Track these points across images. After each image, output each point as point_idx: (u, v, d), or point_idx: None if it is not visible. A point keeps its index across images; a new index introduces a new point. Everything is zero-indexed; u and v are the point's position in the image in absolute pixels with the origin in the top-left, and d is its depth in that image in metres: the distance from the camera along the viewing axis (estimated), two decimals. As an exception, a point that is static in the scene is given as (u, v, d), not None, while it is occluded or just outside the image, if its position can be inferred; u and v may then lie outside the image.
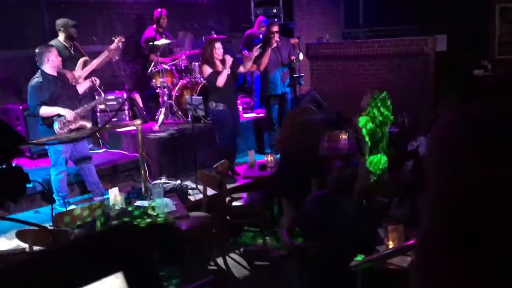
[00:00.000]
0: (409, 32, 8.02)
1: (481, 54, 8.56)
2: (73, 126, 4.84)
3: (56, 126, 4.78)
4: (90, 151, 6.46)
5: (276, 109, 7.00)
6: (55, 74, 4.90)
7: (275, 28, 6.72)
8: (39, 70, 4.84)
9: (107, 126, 6.51)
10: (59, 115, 4.80)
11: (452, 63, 7.67)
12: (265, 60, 6.63)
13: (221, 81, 5.75)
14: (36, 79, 4.80)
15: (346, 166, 3.12)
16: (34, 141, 5.11)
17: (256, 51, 6.28)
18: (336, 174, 3.02)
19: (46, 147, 5.13)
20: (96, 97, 5.86)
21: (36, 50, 4.87)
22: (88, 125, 4.86)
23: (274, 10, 8.89)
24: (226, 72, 5.77)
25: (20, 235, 3.52)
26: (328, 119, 8.13)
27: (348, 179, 2.98)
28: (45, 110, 4.73)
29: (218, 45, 5.82)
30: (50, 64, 4.83)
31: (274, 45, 6.59)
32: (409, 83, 7.23)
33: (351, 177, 2.99)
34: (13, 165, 1.14)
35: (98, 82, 5.22)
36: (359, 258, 2.90)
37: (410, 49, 7.40)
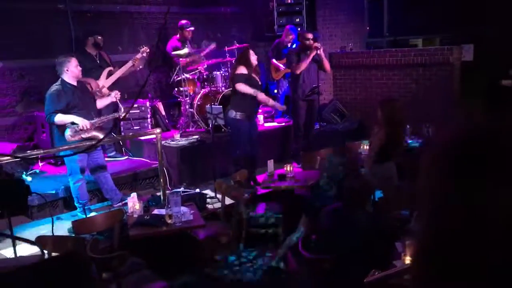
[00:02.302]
0: (434, 42, 7.91)
1: (509, 64, 8.35)
2: (85, 135, 4.85)
3: (68, 132, 4.81)
4: (113, 159, 6.58)
5: (304, 115, 6.94)
6: (74, 83, 4.97)
7: (310, 35, 6.79)
8: (60, 79, 4.94)
9: (130, 134, 6.62)
10: (72, 123, 4.85)
11: (478, 73, 7.51)
12: (303, 66, 6.65)
13: (243, 88, 5.77)
14: (55, 87, 4.89)
15: (358, 178, 3.07)
16: (44, 151, 5.19)
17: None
18: (348, 187, 2.97)
19: (62, 155, 5.21)
20: (117, 112, 5.88)
21: (57, 60, 4.97)
22: (101, 136, 4.87)
23: (297, 20, 8.88)
24: (251, 91, 5.79)
25: (40, 241, 3.58)
26: (350, 128, 8.07)
27: (360, 191, 2.93)
28: (60, 118, 4.80)
29: (253, 52, 5.96)
30: (70, 74, 4.91)
31: (315, 52, 6.61)
32: (433, 92, 7.11)
33: (363, 189, 2.94)
34: (14, 178, 1.15)
35: (119, 96, 5.27)
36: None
37: (435, 58, 7.29)
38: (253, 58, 5.90)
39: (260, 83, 6.06)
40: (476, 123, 0.78)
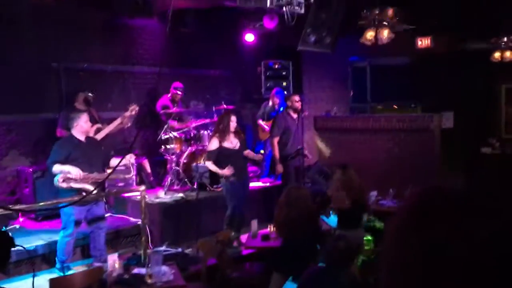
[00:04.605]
0: (416, 108, 8.19)
1: (488, 133, 8.64)
2: (75, 185, 4.84)
3: (58, 177, 4.82)
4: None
5: (290, 176, 7.03)
6: (82, 138, 5.10)
7: (297, 98, 7.09)
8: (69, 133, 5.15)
9: (115, 191, 6.59)
10: (63, 171, 4.85)
11: (458, 140, 7.75)
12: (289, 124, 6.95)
13: (212, 168, 5.94)
14: (61, 140, 5.04)
15: (340, 239, 3.09)
16: (39, 204, 5.15)
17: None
18: (329, 248, 2.99)
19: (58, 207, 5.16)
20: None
21: (70, 115, 5.22)
22: (90, 188, 4.86)
23: (284, 83, 9.17)
24: (220, 172, 5.91)
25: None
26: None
27: (343, 252, 2.94)
28: (57, 168, 4.84)
29: (233, 118, 6.02)
30: (78, 128, 5.07)
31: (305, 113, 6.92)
32: (414, 158, 7.28)
33: (346, 250, 2.95)
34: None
35: (133, 160, 5.43)
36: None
37: (416, 124, 7.52)
38: (233, 125, 5.99)
39: (238, 147, 6.11)
40: (437, 187, 0.84)
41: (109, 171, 5.94)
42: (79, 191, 4.81)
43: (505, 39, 7.60)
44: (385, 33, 6.13)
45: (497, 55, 7.72)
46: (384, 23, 6.06)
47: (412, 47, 7.82)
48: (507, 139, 8.52)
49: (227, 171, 5.85)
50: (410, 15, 6.53)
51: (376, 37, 6.19)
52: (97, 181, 5.01)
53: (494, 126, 8.75)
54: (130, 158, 5.29)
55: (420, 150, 7.35)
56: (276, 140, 6.96)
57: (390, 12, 6.06)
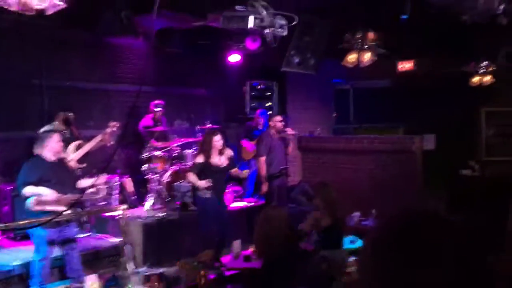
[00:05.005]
0: (398, 130, 8.31)
1: (469, 155, 8.78)
2: (49, 207, 4.70)
3: (31, 199, 4.62)
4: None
5: (274, 195, 7.05)
6: (53, 158, 4.90)
7: (279, 118, 7.22)
8: (37, 153, 4.90)
9: (95, 210, 6.51)
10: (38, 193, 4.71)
11: (439, 162, 7.85)
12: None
13: (193, 181, 5.92)
14: (31, 160, 4.85)
15: (323, 261, 3.08)
16: (12, 224, 5.02)
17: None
18: (312, 270, 2.97)
19: (29, 230, 5.03)
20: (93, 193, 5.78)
21: (39, 133, 4.96)
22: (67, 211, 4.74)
23: (269, 104, 9.24)
24: (204, 184, 5.88)
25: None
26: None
27: (326, 274, 2.94)
28: (29, 190, 4.66)
29: (217, 138, 5.98)
30: (49, 149, 4.87)
31: (290, 132, 7.05)
32: (396, 179, 7.36)
33: (329, 272, 2.95)
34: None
35: (104, 180, 5.27)
36: None
37: (398, 146, 7.62)
38: (217, 144, 5.98)
39: (225, 165, 6.12)
40: (410, 212, 0.86)
41: (91, 190, 5.88)
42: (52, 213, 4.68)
43: (484, 64, 7.78)
44: (367, 56, 6.25)
45: (476, 79, 7.90)
46: (366, 46, 6.18)
47: (393, 70, 7.97)
48: (487, 161, 8.66)
49: (204, 183, 5.84)
50: (391, 39, 6.67)
51: (358, 60, 6.30)
52: (71, 202, 4.90)
53: (475, 148, 8.90)
54: (101, 178, 5.20)
55: (402, 171, 7.44)
56: (262, 159, 7.01)
57: (371, 36, 6.18)
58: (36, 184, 4.70)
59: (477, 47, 7.50)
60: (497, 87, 8.05)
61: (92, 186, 5.54)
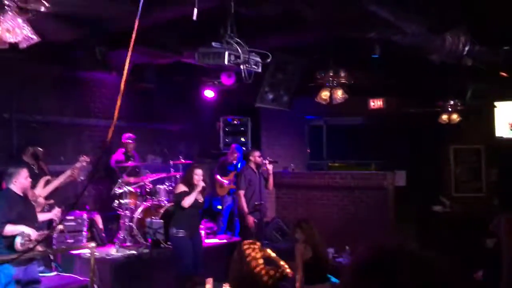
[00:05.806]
0: (370, 166, 8.42)
1: (439, 191, 8.94)
2: (31, 246, 4.57)
3: (19, 240, 4.48)
4: (40, 274, 6.14)
5: (249, 232, 6.98)
6: (21, 194, 4.81)
7: (258, 153, 7.25)
8: (6, 188, 4.77)
9: (62, 248, 6.29)
10: (23, 232, 4.58)
11: (411, 198, 7.96)
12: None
13: (187, 202, 5.78)
14: (4, 193, 4.70)
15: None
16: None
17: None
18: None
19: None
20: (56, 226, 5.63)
21: (8, 170, 4.84)
22: (40, 248, 4.61)
23: (243, 139, 9.26)
24: (194, 195, 5.81)
25: None
26: (292, 247, 8.07)
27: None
28: (10, 228, 4.53)
29: (198, 172, 6.00)
30: (18, 185, 4.76)
31: (269, 167, 7.01)
32: (369, 214, 7.41)
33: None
34: None
35: (59, 214, 5.12)
36: None
37: (370, 182, 7.71)
38: (196, 178, 5.97)
39: (201, 201, 6.09)
40: (381, 247, 0.86)
41: (59, 227, 5.71)
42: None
43: (452, 102, 8.03)
44: (339, 94, 6.39)
45: (444, 117, 8.12)
46: (337, 84, 6.34)
47: (365, 108, 8.15)
48: (456, 197, 8.82)
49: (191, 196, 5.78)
50: (362, 77, 6.85)
51: (330, 97, 6.43)
52: (41, 239, 4.76)
53: (445, 185, 9.06)
54: (57, 213, 5.08)
55: (374, 207, 7.51)
56: (242, 193, 7.03)
57: (343, 74, 6.35)
58: (16, 222, 4.56)
59: (445, 86, 7.76)
60: (464, 125, 8.28)
61: (50, 220, 5.40)
